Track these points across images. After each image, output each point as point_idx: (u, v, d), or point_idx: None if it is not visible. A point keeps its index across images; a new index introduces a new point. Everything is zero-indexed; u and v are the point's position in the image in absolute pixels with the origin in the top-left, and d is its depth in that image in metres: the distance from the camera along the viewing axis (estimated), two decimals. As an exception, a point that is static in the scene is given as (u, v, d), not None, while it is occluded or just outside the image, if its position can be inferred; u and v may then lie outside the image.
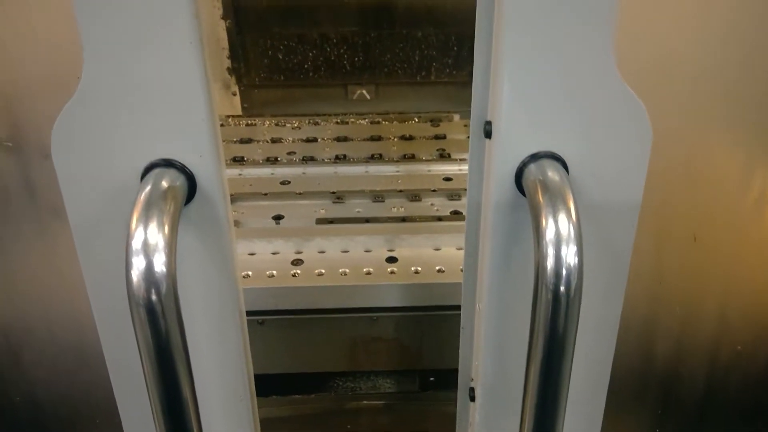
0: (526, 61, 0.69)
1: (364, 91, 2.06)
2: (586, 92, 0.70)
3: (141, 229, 0.65)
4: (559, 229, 0.66)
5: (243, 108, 2.05)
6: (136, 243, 0.65)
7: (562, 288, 0.66)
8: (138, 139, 0.70)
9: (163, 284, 0.65)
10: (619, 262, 0.78)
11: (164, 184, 0.69)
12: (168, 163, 0.71)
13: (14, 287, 1.00)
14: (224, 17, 1.92)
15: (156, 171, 0.70)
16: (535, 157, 0.72)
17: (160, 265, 0.64)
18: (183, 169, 0.71)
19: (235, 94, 2.04)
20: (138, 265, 0.64)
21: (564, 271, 0.66)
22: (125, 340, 0.75)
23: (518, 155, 0.72)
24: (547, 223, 0.67)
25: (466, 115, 1.98)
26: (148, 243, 0.65)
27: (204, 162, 0.71)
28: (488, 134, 0.75)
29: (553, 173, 0.71)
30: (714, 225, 0.95)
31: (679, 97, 0.90)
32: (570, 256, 0.66)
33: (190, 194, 0.73)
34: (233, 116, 1.99)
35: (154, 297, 0.65)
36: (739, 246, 0.97)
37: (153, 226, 0.65)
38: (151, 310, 0.65)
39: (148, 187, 0.68)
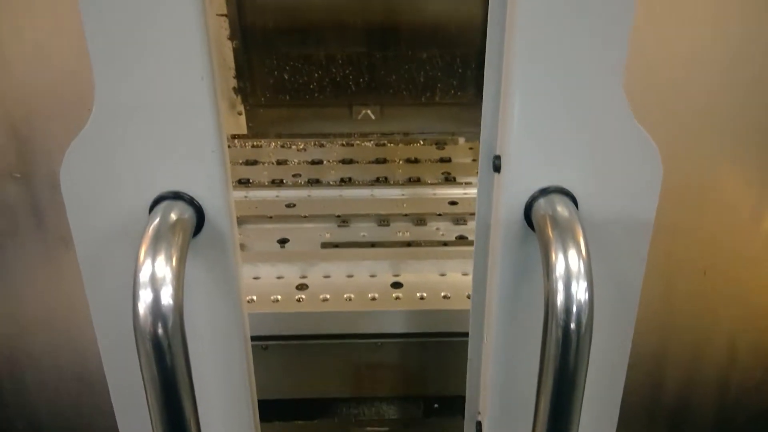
0: (536, 96, 0.69)
1: (369, 112, 2.07)
2: (597, 128, 0.70)
3: (149, 262, 0.65)
4: (569, 264, 0.66)
5: (248, 127, 2.06)
6: (144, 276, 0.65)
7: (572, 325, 0.66)
8: (148, 171, 0.70)
9: (170, 318, 0.64)
10: (628, 297, 0.78)
11: (173, 216, 0.68)
12: (176, 196, 0.71)
13: (20, 315, 1.00)
14: (231, 38, 1.94)
15: (165, 203, 0.70)
16: (544, 192, 0.72)
17: (167, 298, 0.64)
18: (191, 202, 0.71)
19: (240, 114, 2.05)
20: (145, 298, 0.64)
21: (574, 308, 0.66)
22: (130, 370, 0.74)
23: (527, 189, 0.72)
24: (556, 259, 0.66)
25: (470, 137, 1.98)
26: (156, 276, 0.64)
27: (213, 194, 0.71)
28: (497, 168, 0.74)
29: (562, 208, 0.70)
30: (724, 259, 0.95)
31: (688, 132, 0.90)
32: (580, 292, 0.66)
33: (198, 226, 0.73)
34: (239, 138, 2.00)
35: (160, 331, 0.64)
36: (750, 280, 0.96)
37: (161, 259, 0.65)
38: (157, 344, 0.64)
39: (157, 220, 0.68)
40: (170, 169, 0.70)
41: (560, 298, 0.66)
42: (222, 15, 1.90)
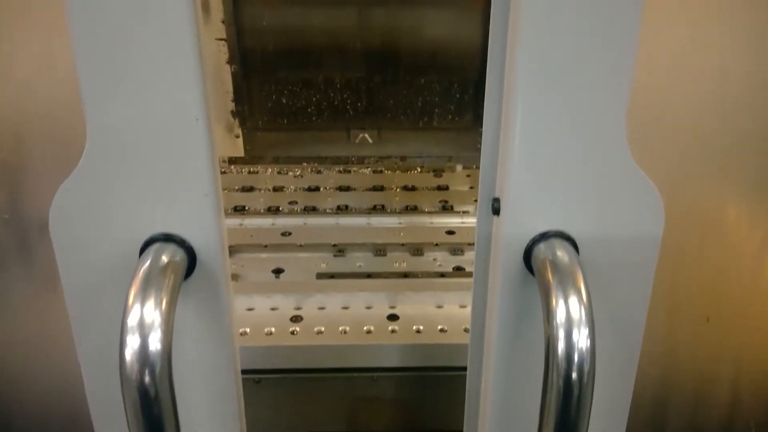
0: (536, 139, 0.68)
1: (367, 136, 2.06)
2: (598, 171, 0.69)
3: (138, 306, 0.63)
4: (569, 311, 0.64)
5: (245, 150, 2.05)
6: (132, 321, 0.63)
7: (574, 374, 0.64)
8: (139, 213, 0.68)
9: (158, 365, 0.62)
10: (630, 343, 0.76)
11: (164, 259, 0.67)
12: (168, 238, 0.69)
13: (8, 358, 0.97)
14: (230, 62, 1.94)
15: (156, 246, 0.68)
16: (544, 236, 0.71)
17: (155, 344, 0.62)
18: (183, 244, 0.69)
19: (238, 137, 2.04)
20: (132, 344, 0.62)
21: (576, 356, 0.64)
22: (117, 417, 0.72)
23: (527, 233, 0.71)
24: (557, 305, 0.65)
25: (467, 162, 1.98)
26: (144, 322, 0.62)
27: (205, 236, 0.69)
28: (496, 211, 0.73)
29: (562, 253, 0.69)
30: (727, 305, 0.93)
31: (691, 171, 0.89)
32: (582, 340, 0.64)
33: (190, 268, 0.71)
34: (236, 163, 1.99)
35: (147, 379, 0.62)
36: (753, 325, 0.95)
37: (150, 303, 0.63)
38: (144, 392, 0.62)
39: (147, 263, 0.66)
40: (162, 210, 0.68)
41: (561, 346, 0.64)
42: (221, 39, 1.90)
